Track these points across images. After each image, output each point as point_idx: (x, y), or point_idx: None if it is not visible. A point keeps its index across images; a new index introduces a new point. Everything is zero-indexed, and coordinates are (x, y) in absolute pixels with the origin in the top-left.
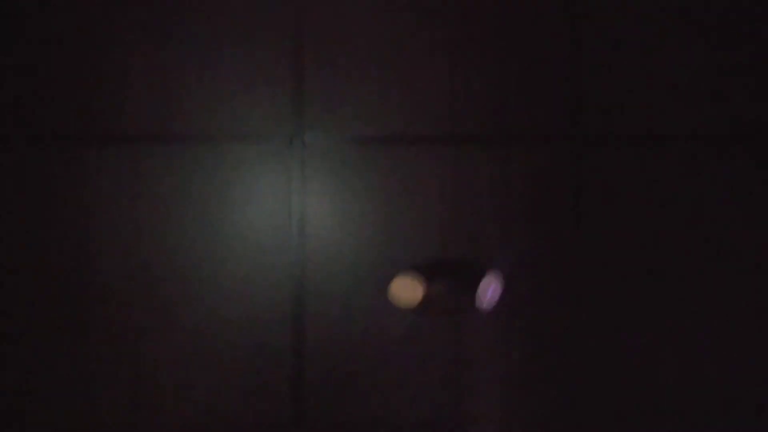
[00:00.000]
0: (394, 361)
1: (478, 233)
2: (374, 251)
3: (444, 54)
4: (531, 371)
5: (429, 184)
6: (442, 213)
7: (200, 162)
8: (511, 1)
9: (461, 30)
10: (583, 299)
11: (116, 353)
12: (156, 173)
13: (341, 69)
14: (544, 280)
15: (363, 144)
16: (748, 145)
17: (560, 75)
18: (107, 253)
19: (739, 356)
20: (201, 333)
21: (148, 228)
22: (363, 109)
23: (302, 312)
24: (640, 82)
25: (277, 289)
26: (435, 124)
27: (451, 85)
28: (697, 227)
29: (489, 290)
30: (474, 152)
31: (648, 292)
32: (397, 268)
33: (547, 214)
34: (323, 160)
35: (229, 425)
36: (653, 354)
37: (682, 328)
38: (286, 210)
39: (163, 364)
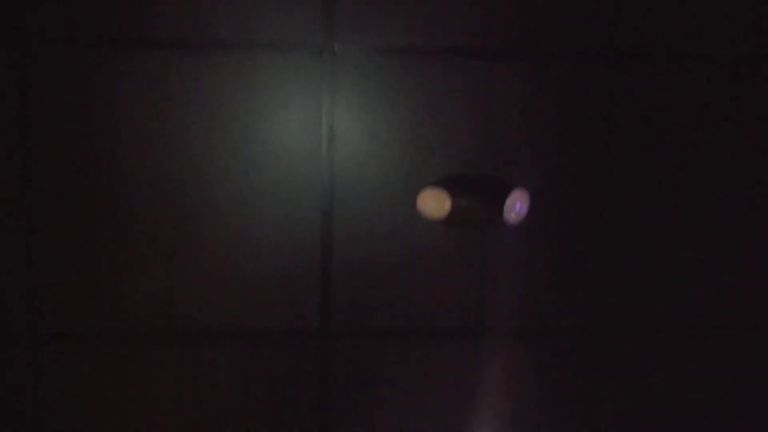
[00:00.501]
0: (420, 272)
1: (508, 148)
2: (403, 163)
3: None
4: (554, 284)
5: (460, 97)
6: (472, 126)
7: (230, 71)
8: None
9: None
10: (609, 217)
11: (145, 266)
12: (186, 80)
13: None
14: (571, 196)
15: (393, 55)
16: None
17: None
18: (136, 163)
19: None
20: (229, 244)
21: (176, 136)
22: (394, 20)
23: (331, 223)
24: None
25: (306, 199)
26: (467, 37)
27: None
28: (732, 149)
29: (516, 204)
30: (505, 66)
31: (675, 211)
32: (425, 180)
33: (578, 130)
34: (353, 70)
35: (257, 326)
36: (674, 272)
37: (709, 248)
38: (315, 120)
39: (192, 277)
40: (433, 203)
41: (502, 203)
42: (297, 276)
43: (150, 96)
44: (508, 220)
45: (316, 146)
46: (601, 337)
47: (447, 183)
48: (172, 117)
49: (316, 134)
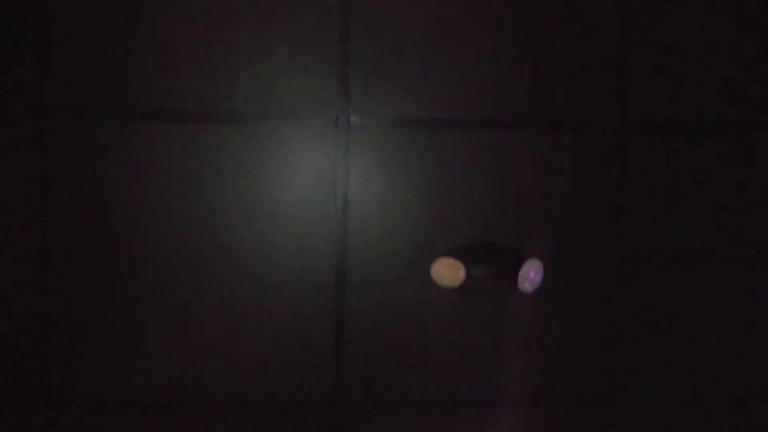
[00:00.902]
0: (433, 339)
1: (521, 217)
2: (416, 231)
3: (490, 37)
4: (567, 352)
5: (472, 167)
6: (485, 196)
7: (247, 140)
8: None
9: (508, 12)
10: (621, 286)
11: (164, 326)
12: (205, 150)
13: (386, 51)
14: (583, 266)
15: (406, 125)
16: None
17: (607, 61)
18: (156, 228)
19: None
20: (245, 307)
21: (196, 203)
22: (407, 91)
23: (344, 289)
24: (687, 69)
25: (320, 266)
26: (479, 108)
27: (496, 69)
28: (742, 218)
29: (530, 273)
30: (518, 136)
31: (686, 282)
32: (438, 248)
33: (590, 200)
34: (367, 140)
35: (271, 395)
36: (688, 343)
37: (720, 322)
38: (330, 188)
39: (209, 336)
40: (448, 272)
41: (516, 272)
42: (310, 346)
43: (168, 165)
44: (522, 290)
45: (330, 215)
46: (614, 407)
47: (461, 252)
48: (190, 185)
49: (330, 203)
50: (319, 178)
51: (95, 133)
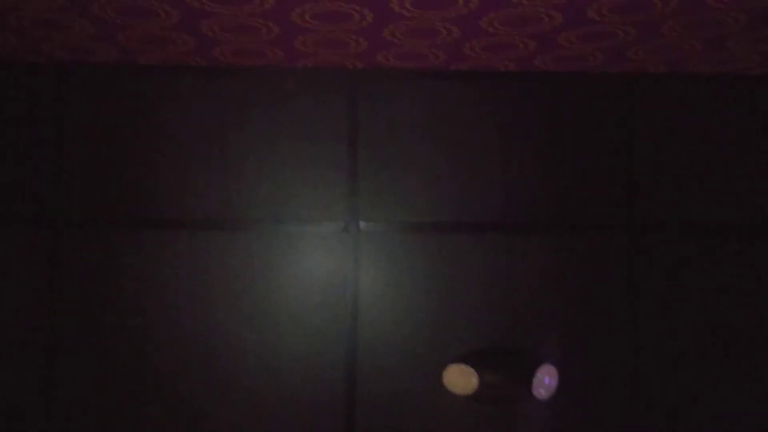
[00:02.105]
0: None
1: (532, 320)
2: (426, 334)
3: (496, 142)
4: None
5: (480, 270)
6: (495, 299)
7: (259, 246)
8: (564, 90)
9: (514, 118)
10: (638, 388)
11: (178, 422)
12: (215, 255)
13: (394, 159)
14: (598, 369)
15: (414, 229)
16: None
17: (614, 163)
18: (168, 330)
19: None
20: (257, 408)
21: (207, 307)
22: (415, 197)
23: (354, 392)
24: (694, 171)
25: (331, 369)
26: (486, 211)
27: (503, 173)
28: (755, 317)
29: (545, 379)
30: (526, 239)
31: (704, 380)
32: (449, 351)
33: (601, 302)
34: (376, 244)
35: None
36: None
37: (743, 416)
38: (340, 290)
39: None
40: (461, 380)
41: (530, 378)
42: None
43: (179, 270)
44: (537, 396)
45: (340, 317)
46: None
47: (473, 358)
48: (200, 290)
49: (341, 306)
50: (330, 281)
51: (106, 239)
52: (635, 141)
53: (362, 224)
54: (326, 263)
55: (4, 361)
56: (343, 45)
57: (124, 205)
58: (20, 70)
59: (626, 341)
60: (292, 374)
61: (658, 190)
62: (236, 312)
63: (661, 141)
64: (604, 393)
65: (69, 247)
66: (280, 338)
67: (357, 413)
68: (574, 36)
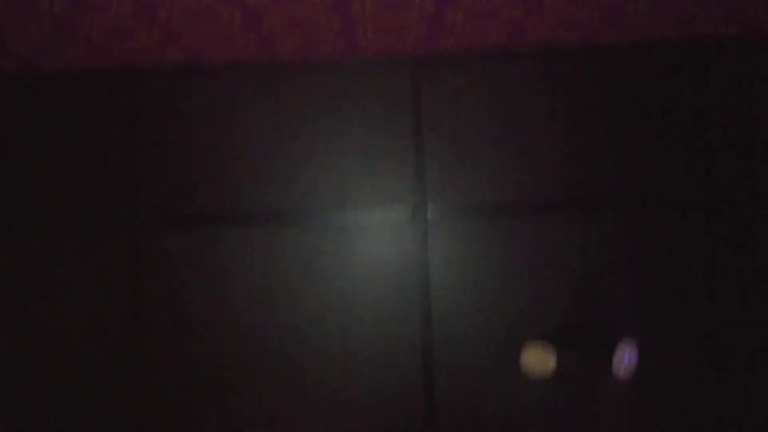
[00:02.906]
0: (526, 428)
1: (610, 299)
2: (501, 319)
3: (563, 120)
4: None
5: (553, 250)
6: (570, 279)
7: (328, 235)
8: (633, 66)
9: (579, 96)
10: (719, 368)
11: (256, 418)
12: (287, 247)
13: (460, 142)
14: (678, 347)
15: (484, 213)
16: None
17: (688, 137)
18: (245, 325)
19: None
20: (332, 400)
21: (280, 299)
22: (482, 180)
23: (431, 379)
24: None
25: (406, 356)
26: (556, 191)
27: (573, 151)
28: None
29: (624, 358)
30: (598, 218)
31: None
32: (524, 334)
33: (679, 278)
34: (445, 229)
35: None
36: None
37: None
38: (412, 277)
39: (296, 429)
40: (538, 362)
41: (610, 357)
42: None
43: (253, 264)
44: (618, 375)
45: (412, 303)
46: None
47: (550, 340)
48: (274, 282)
49: (414, 293)
50: (401, 268)
51: (184, 238)
52: (709, 112)
53: (430, 209)
54: (396, 249)
55: (93, 361)
56: (405, 30)
57: (197, 202)
58: (91, 76)
59: (704, 320)
60: (367, 363)
61: (735, 164)
62: (311, 303)
63: (736, 110)
64: (683, 373)
65: (147, 246)
66: (356, 328)
67: (436, 398)
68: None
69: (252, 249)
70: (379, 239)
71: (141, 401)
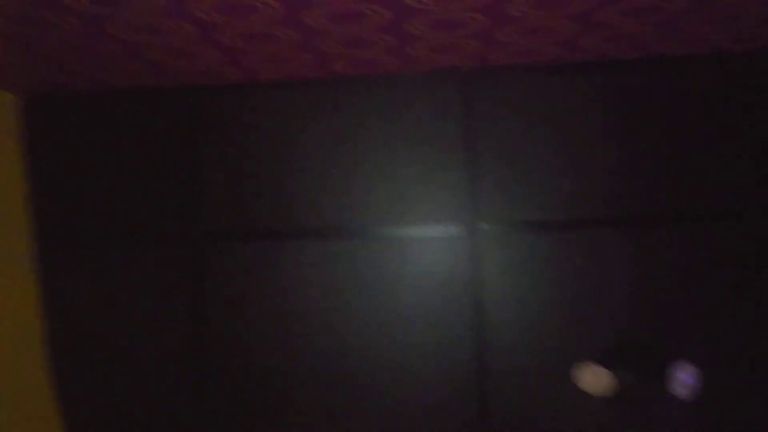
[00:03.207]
0: None
1: (668, 317)
2: (556, 334)
3: (617, 134)
4: None
5: (610, 266)
6: (626, 296)
7: (383, 250)
8: (685, 81)
9: (632, 109)
10: None
11: (313, 428)
12: (343, 261)
13: (512, 157)
14: (742, 368)
15: (536, 229)
16: None
17: (744, 148)
18: (302, 337)
19: None
20: (387, 412)
21: (337, 313)
22: (535, 196)
23: (485, 393)
24: None
25: (459, 374)
26: (610, 206)
27: (625, 166)
28: None
29: (684, 377)
30: (655, 233)
31: None
32: (579, 352)
33: (740, 295)
34: (498, 244)
35: None
36: None
37: None
38: (466, 292)
39: None
40: (594, 379)
41: (669, 378)
42: None
43: (311, 278)
44: (677, 395)
45: (467, 320)
46: None
47: (607, 356)
48: (331, 296)
49: (467, 308)
50: (454, 283)
51: (244, 251)
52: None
53: (483, 225)
54: (449, 265)
55: (156, 373)
56: (457, 49)
57: (256, 217)
58: (155, 95)
59: (764, 336)
60: (421, 376)
61: None
62: (363, 316)
63: None
64: (748, 393)
65: (209, 260)
66: (407, 340)
67: (489, 408)
68: (696, 18)
69: (309, 262)
70: (433, 253)
71: (201, 411)
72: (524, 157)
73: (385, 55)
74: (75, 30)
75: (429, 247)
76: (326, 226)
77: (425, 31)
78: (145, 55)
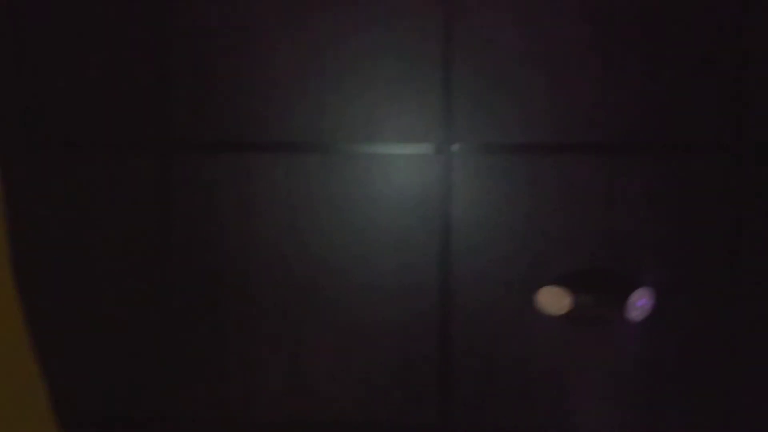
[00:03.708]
0: (542, 370)
1: (630, 244)
2: (521, 260)
3: (596, 59)
4: (682, 385)
5: (579, 193)
6: (592, 223)
7: (352, 167)
8: (671, 4)
9: (615, 34)
10: (739, 315)
11: (276, 347)
12: (311, 177)
13: (490, 77)
14: (698, 294)
15: (510, 151)
16: None
17: (723, 81)
18: (268, 253)
19: None
20: (347, 339)
21: (304, 231)
22: (511, 117)
23: (448, 317)
24: None
25: (423, 296)
26: (586, 132)
27: (603, 91)
28: None
29: (638, 302)
30: (627, 161)
31: None
32: (544, 275)
33: (704, 226)
34: (470, 166)
35: (374, 419)
36: None
37: None
38: (432, 216)
39: (312, 372)
40: (553, 300)
41: (625, 301)
42: (415, 371)
43: (278, 194)
44: (630, 318)
45: (432, 241)
46: None
47: (568, 279)
48: (298, 213)
49: (435, 228)
50: (424, 203)
51: (212, 164)
52: (749, 48)
53: (455, 145)
54: (419, 185)
55: (121, 282)
56: None
57: (225, 130)
58: None
59: (727, 271)
60: (386, 297)
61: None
62: (334, 231)
63: None
64: (701, 321)
65: (176, 171)
66: (372, 266)
67: (453, 334)
68: None
69: (277, 177)
70: (404, 173)
71: (166, 317)
72: (502, 77)
73: None
74: None
75: (400, 165)
76: (298, 141)
77: None
78: None
